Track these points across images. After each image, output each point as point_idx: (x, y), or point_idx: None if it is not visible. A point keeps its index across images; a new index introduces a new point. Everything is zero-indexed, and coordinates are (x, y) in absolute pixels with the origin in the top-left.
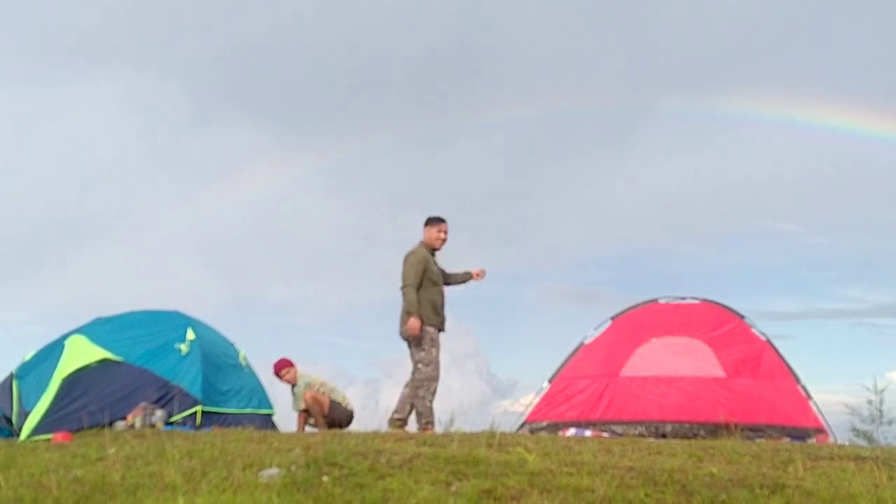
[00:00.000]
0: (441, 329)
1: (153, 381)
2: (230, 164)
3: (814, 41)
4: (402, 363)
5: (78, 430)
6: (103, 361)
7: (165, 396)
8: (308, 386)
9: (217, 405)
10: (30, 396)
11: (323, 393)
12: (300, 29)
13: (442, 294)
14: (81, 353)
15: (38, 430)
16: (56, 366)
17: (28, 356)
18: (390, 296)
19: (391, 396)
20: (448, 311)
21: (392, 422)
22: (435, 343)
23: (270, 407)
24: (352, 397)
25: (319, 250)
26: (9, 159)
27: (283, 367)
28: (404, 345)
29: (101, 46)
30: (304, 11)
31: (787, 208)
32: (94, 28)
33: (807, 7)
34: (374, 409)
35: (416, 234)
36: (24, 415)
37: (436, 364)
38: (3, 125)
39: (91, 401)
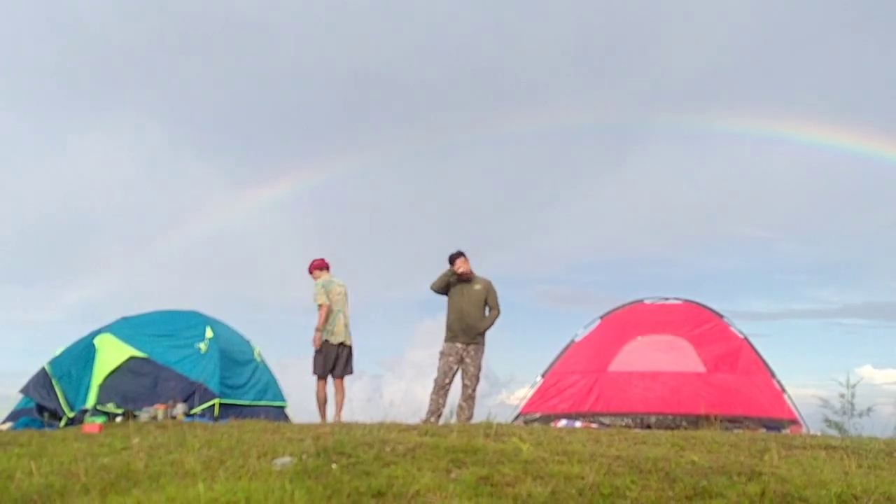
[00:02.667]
0: (454, 342)
1: (174, 377)
2: (246, 174)
3: (790, 66)
4: (403, 361)
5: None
6: (130, 358)
7: (186, 391)
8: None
9: (233, 398)
10: (77, 397)
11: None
12: (299, 53)
13: (455, 312)
14: (112, 355)
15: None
16: (91, 366)
17: (58, 351)
18: (393, 298)
19: (394, 390)
20: None
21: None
22: (444, 354)
23: (283, 400)
24: (359, 391)
25: (331, 256)
26: (43, 178)
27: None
28: (405, 345)
29: (125, 84)
30: (303, 32)
31: (762, 217)
32: (116, 69)
33: (784, 37)
34: (378, 401)
35: (419, 240)
36: (82, 412)
37: (442, 371)
38: (40, 149)
39: (121, 397)
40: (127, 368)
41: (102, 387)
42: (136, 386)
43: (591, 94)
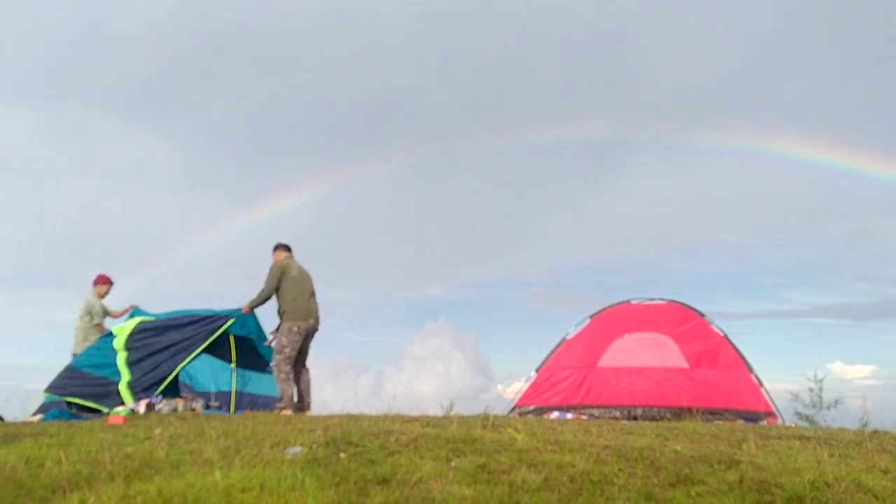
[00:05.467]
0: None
1: (206, 323)
2: (265, 185)
3: (768, 86)
4: (405, 356)
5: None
6: (139, 323)
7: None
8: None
9: (249, 391)
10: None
11: None
12: (313, 76)
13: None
14: (123, 329)
15: (136, 391)
16: (114, 352)
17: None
18: (398, 299)
19: (395, 384)
20: (452, 312)
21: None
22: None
23: None
24: (365, 385)
25: (340, 260)
26: (76, 188)
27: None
28: (405, 342)
29: (152, 101)
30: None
31: (739, 224)
32: (145, 88)
33: (762, 60)
34: (382, 394)
35: (422, 247)
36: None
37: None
38: (76, 161)
39: (155, 361)
40: (139, 332)
41: (128, 363)
42: (155, 343)
43: (583, 112)
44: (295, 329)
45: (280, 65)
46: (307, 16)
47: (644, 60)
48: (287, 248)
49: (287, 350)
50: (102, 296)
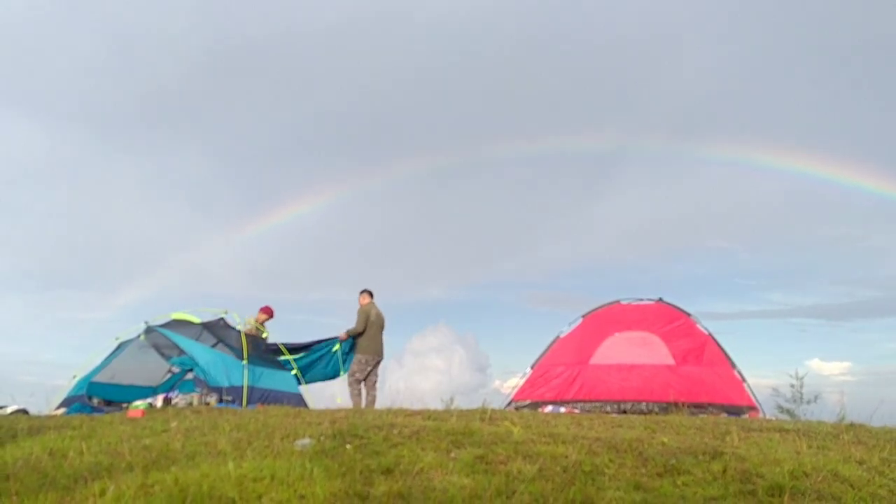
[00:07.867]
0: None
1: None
2: (278, 194)
3: (753, 100)
4: (406, 353)
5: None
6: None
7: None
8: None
9: (261, 386)
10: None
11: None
12: (325, 95)
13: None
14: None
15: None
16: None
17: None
18: (401, 299)
19: (396, 379)
20: (452, 312)
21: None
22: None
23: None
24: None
25: (345, 264)
26: (99, 197)
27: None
28: (405, 340)
29: (170, 115)
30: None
31: (724, 230)
32: (166, 103)
33: (748, 76)
34: (386, 390)
35: (426, 251)
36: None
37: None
38: (98, 171)
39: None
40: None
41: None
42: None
43: (578, 125)
44: (364, 360)
45: (290, 79)
46: (317, 33)
47: (637, 78)
48: (371, 294)
49: (357, 374)
50: (262, 322)
